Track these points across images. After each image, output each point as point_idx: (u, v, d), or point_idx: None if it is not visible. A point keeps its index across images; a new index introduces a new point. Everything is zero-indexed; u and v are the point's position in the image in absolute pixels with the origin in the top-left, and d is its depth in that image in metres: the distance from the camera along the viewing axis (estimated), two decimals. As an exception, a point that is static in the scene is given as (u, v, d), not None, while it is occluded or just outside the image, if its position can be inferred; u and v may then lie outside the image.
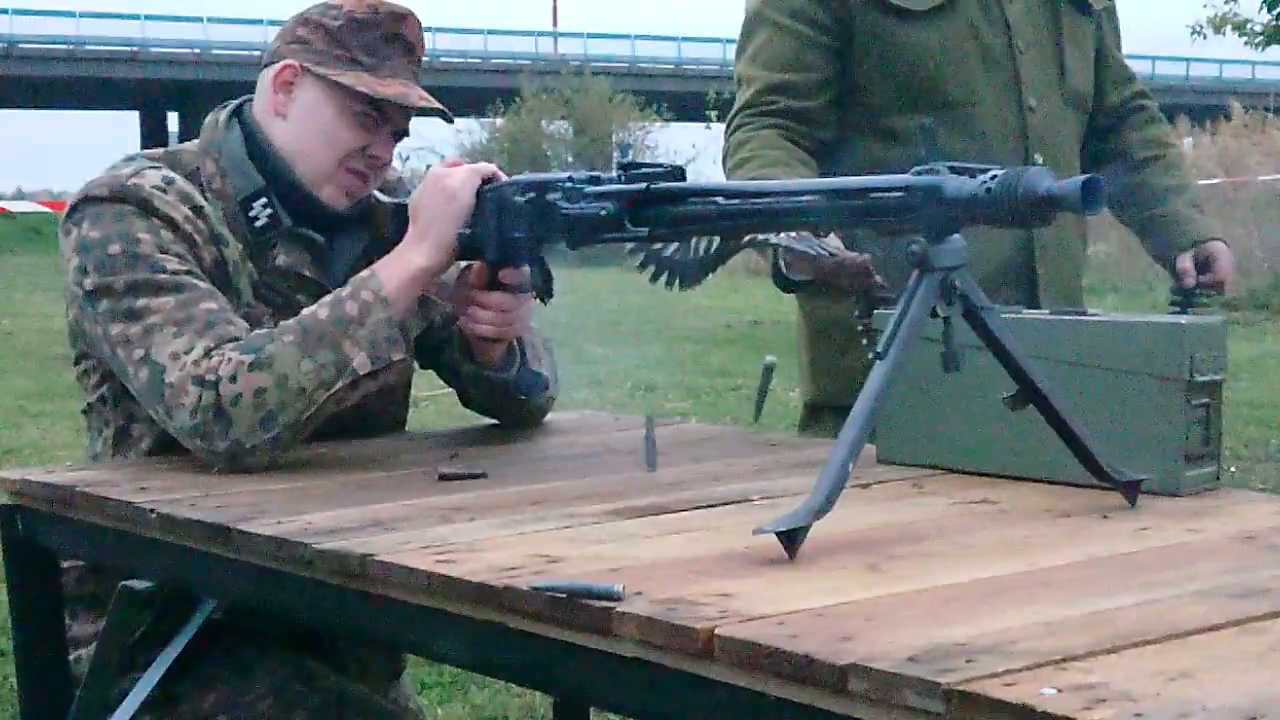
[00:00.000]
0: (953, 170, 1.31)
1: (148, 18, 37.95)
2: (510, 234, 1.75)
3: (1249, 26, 13.10)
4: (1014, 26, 2.31)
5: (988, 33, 2.29)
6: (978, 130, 2.27)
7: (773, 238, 1.54)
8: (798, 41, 2.29)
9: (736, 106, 2.33)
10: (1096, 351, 1.53)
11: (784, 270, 1.87)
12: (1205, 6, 13.50)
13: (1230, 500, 1.51)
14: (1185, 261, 2.38)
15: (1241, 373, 7.70)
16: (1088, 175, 1.25)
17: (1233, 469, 5.48)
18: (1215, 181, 13.22)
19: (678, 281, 1.57)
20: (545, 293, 1.81)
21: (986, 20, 2.29)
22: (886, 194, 1.35)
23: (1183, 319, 1.54)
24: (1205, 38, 13.77)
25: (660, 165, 1.59)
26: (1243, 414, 6.74)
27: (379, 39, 1.85)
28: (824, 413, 2.35)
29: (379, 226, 1.90)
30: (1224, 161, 15.33)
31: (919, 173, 1.33)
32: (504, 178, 1.79)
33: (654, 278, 1.57)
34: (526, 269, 1.78)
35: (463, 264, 1.83)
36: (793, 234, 1.54)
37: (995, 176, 1.28)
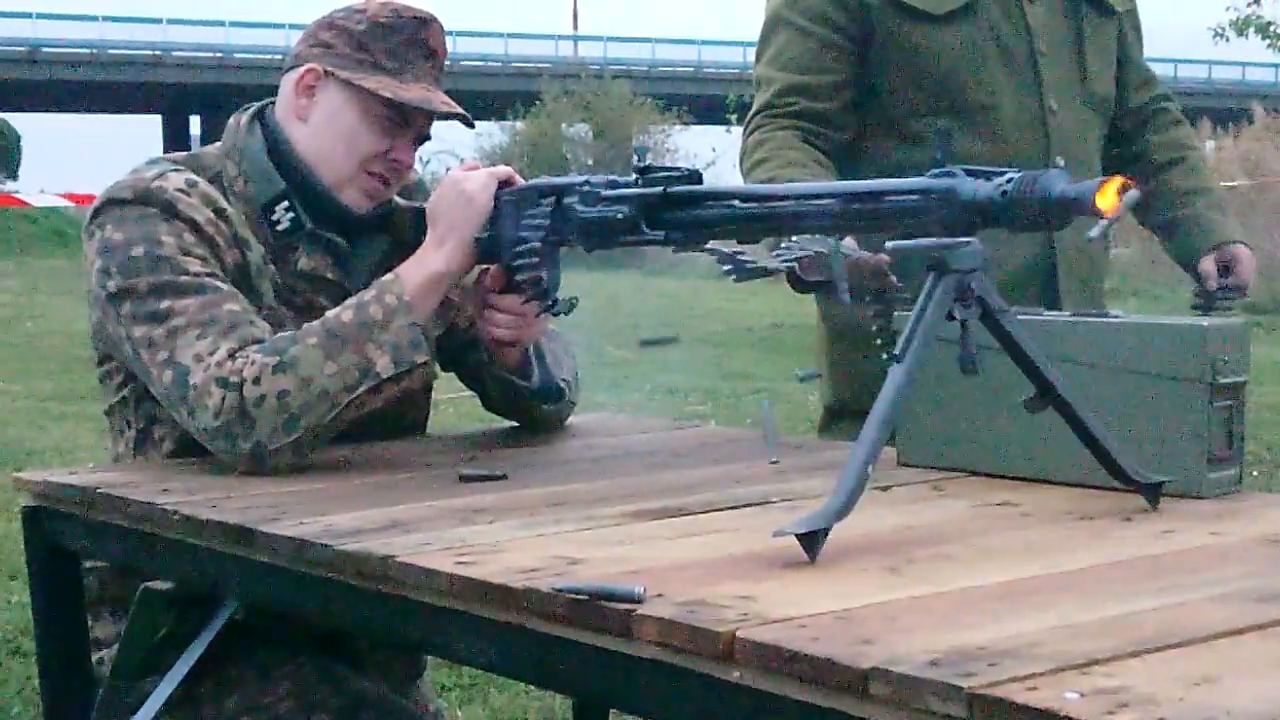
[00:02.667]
0: (969, 173, 1.31)
1: (170, 22, 38.13)
2: (527, 237, 1.75)
3: (1272, 29, 13.05)
4: (1035, 29, 2.30)
5: (1008, 35, 2.29)
6: (999, 133, 2.27)
7: (777, 264, 1.50)
8: (816, 44, 2.28)
9: (755, 108, 2.33)
10: (1119, 354, 1.52)
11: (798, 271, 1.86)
12: (1228, 9, 13.48)
13: (1253, 503, 1.50)
14: (1207, 264, 2.38)
15: (1264, 376, 7.66)
16: (1103, 178, 1.24)
17: (1255, 472, 5.45)
18: (1237, 184, 13.16)
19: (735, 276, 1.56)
20: (549, 297, 1.75)
21: (1007, 23, 2.29)
22: (902, 197, 1.35)
23: (1205, 321, 1.53)
24: (1228, 40, 13.75)
25: (677, 169, 1.60)
26: (1265, 417, 6.70)
27: (402, 43, 1.85)
28: (844, 415, 2.34)
29: (400, 230, 1.91)
30: (1246, 164, 15.26)
31: (935, 176, 1.33)
32: (521, 181, 1.80)
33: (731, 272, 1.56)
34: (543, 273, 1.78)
35: (481, 267, 1.84)
36: (804, 239, 1.53)
37: (1011, 179, 1.28)
